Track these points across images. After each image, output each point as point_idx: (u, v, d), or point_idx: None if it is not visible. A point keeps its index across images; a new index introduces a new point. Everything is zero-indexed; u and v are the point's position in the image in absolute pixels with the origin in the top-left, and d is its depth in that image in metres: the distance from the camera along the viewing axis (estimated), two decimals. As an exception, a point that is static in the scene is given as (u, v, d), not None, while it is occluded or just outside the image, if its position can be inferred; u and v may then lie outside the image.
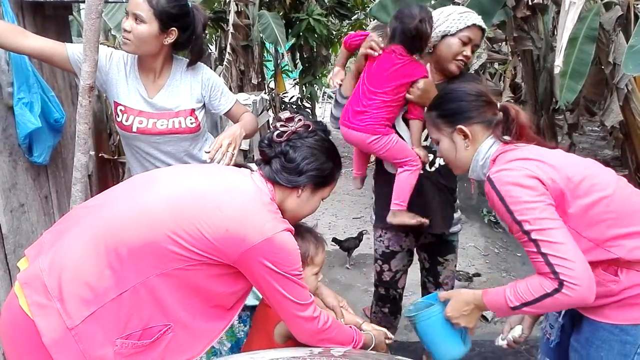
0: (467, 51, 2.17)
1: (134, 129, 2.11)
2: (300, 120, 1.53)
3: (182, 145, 2.17)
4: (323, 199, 1.60)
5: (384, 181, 2.31)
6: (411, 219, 2.19)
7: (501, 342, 1.82)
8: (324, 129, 1.58)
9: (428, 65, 2.22)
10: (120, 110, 2.12)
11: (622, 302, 1.44)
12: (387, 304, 2.56)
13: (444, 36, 2.16)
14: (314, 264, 1.73)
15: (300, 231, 1.70)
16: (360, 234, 4.56)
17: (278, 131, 1.51)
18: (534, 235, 1.36)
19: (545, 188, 1.40)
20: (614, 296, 1.45)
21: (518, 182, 1.40)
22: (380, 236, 2.45)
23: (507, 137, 1.58)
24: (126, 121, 2.10)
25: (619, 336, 1.46)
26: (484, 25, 2.23)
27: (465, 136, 1.59)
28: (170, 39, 2.03)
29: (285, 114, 1.55)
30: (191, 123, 2.14)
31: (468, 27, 2.15)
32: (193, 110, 2.15)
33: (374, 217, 2.47)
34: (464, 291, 1.63)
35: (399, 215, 2.20)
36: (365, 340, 1.64)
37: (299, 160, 1.48)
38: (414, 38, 2.07)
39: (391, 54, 2.09)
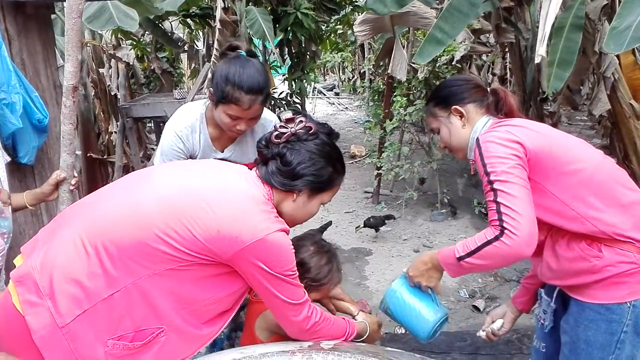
0: None
1: None
2: (301, 122, 1.46)
3: None
4: (323, 204, 1.53)
5: None
6: None
7: (481, 333, 1.90)
8: (328, 132, 1.50)
9: None
10: None
11: (606, 280, 1.49)
12: None
13: None
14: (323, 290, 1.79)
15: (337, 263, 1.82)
16: (329, 223, 4.27)
17: (277, 132, 1.46)
18: (495, 185, 1.45)
19: (525, 153, 1.48)
20: (597, 273, 1.49)
21: (497, 141, 1.49)
22: None
23: (499, 115, 1.67)
24: None
25: (605, 315, 1.50)
26: None
27: (461, 115, 1.67)
28: None
29: (287, 115, 1.48)
30: None
31: None
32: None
33: None
34: (424, 253, 1.69)
35: None
36: (359, 329, 1.64)
37: (295, 164, 1.42)
38: None
39: None
